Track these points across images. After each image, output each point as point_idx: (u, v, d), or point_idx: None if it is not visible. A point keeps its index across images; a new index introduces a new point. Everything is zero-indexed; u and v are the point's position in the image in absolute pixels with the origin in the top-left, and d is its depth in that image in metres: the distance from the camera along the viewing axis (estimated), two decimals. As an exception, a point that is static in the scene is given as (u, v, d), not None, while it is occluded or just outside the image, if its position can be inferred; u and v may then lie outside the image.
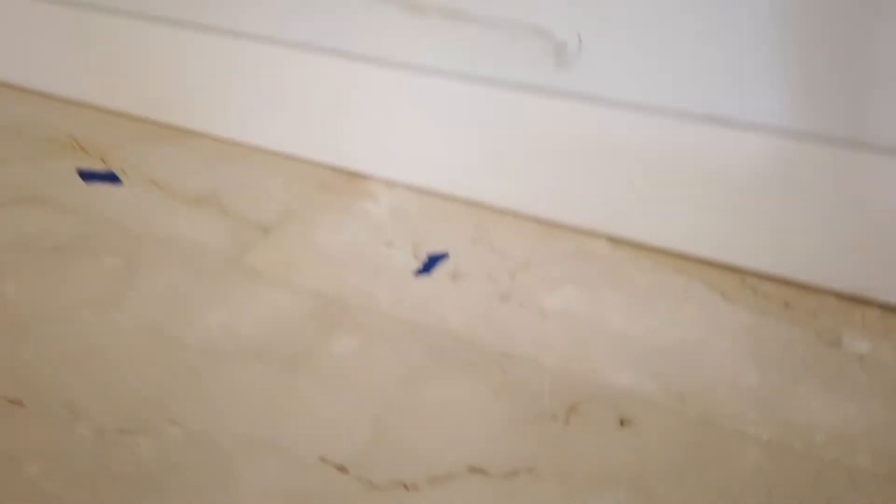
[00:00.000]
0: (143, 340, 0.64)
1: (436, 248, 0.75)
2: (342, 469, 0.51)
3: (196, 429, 0.55)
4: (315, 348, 0.63)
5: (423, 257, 0.74)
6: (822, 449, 0.52)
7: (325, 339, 0.63)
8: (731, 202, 0.69)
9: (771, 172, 0.67)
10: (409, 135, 0.83)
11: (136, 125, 0.98)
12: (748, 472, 0.51)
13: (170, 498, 0.50)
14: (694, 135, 0.68)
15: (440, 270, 0.72)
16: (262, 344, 0.63)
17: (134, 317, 0.66)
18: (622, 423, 0.55)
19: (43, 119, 1.00)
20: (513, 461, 0.52)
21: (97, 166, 0.89)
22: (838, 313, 0.65)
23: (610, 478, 0.51)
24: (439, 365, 0.61)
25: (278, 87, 0.88)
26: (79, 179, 0.87)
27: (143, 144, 0.94)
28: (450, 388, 0.59)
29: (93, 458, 0.53)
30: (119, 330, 0.65)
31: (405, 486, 0.50)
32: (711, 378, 0.59)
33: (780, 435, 0.54)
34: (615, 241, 0.75)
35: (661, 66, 0.68)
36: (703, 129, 0.68)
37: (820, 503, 0.49)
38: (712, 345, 0.62)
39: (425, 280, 0.71)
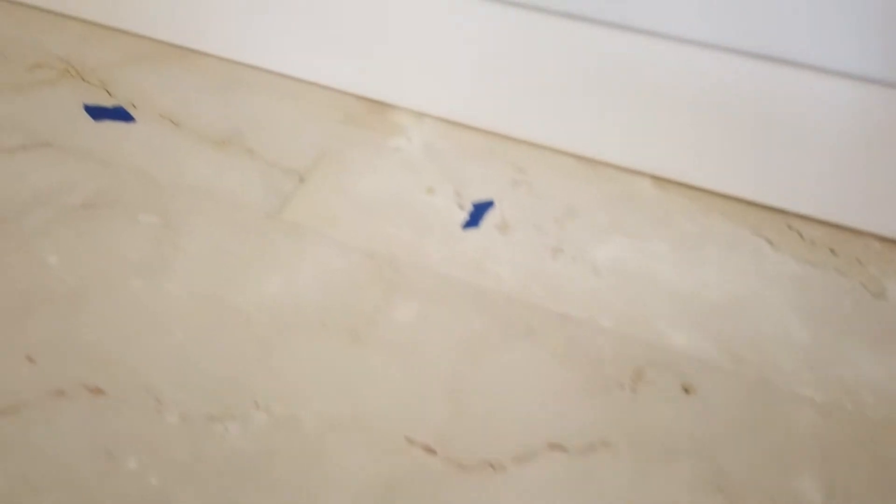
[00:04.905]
0: (203, 311, 0.63)
1: (478, 195, 0.74)
2: (430, 450, 0.54)
3: (280, 412, 0.57)
4: (376, 315, 0.63)
5: (468, 206, 0.73)
6: (872, 410, 0.57)
7: (384, 305, 0.64)
8: (776, 143, 0.69)
9: (818, 115, 0.66)
10: (439, 62, 0.78)
11: (132, 43, 0.91)
12: (804, 436, 0.55)
13: (269, 486, 0.53)
14: (745, 73, 0.66)
15: (487, 221, 0.71)
16: (322, 311, 0.64)
17: (187, 284, 0.66)
18: (686, 390, 0.58)
19: (23, 36, 0.92)
20: (588, 435, 0.55)
21: (103, 99, 0.83)
22: (883, 260, 0.67)
23: (678, 449, 0.55)
24: (501, 331, 0.62)
25: (290, 6, 0.81)
26: (86, 116, 0.82)
27: (144, 68, 0.87)
28: (514, 357, 0.61)
29: (187, 448, 0.54)
30: (175, 300, 0.64)
31: (492, 467, 0.53)
32: (764, 335, 0.62)
33: (831, 395, 0.58)
34: (658, 180, 0.74)
35: (724, 2, 0.64)
36: (756, 68, 0.65)
37: (874, 470, 0.53)
38: (762, 299, 0.64)
39: (474, 233, 0.70)
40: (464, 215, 0.72)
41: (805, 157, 0.68)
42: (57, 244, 0.68)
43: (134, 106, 0.83)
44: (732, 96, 0.67)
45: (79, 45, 0.90)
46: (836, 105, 0.64)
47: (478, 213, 0.72)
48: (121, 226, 0.70)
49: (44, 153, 0.77)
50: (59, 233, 0.69)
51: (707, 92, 0.68)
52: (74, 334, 0.62)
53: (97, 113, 0.82)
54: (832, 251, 0.68)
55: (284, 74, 0.86)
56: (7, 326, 0.62)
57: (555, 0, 0.69)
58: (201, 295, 0.65)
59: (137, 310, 0.63)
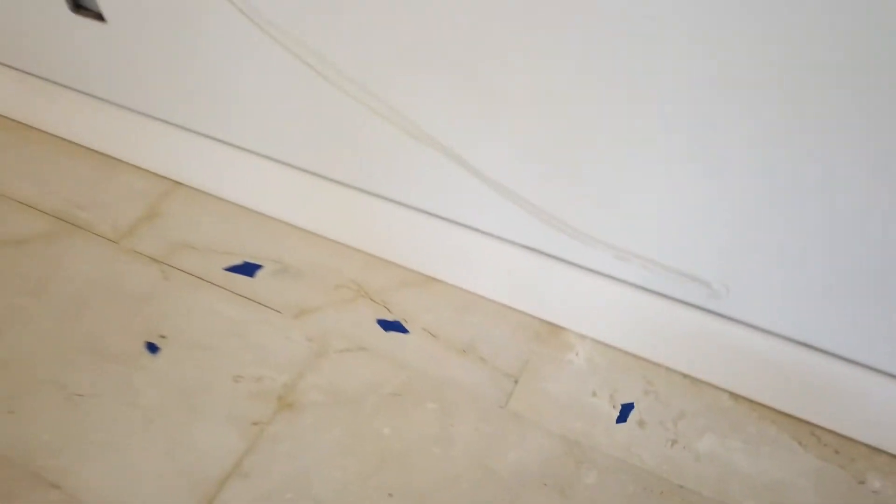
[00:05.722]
0: (475, 470, 1.15)
1: (623, 398, 1.24)
2: (613, 564, 1.04)
3: (531, 537, 1.07)
4: (576, 480, 1.14)
5: (618, 406, 1.23)
6: (853, 556, 1.04)
7: (578, 473, 1.14)
8: (818, 394, 1.17)
9: (851, 393, 1.14)
10: (597, 306, 1.29)
11: (396, 271, 1.44)
12: (816, 569, 1.03)
13: (532, 579, 1.03)
14: (807, 363, 1.15)
15: (631, 418, 1.21)
16: (542, 475, 1.14)
17: (465, 453, 1.17)
18: (750, 537, 1.06)
19: (322, 262, 1.46)
20: (697, 560, 1.04)
21: (385, 314, 1.37)
22: (866, 459, 1.15)
23: (747, 571, 1.03)
24: (646, 495, 1.12)
25: (498, 261, 1.33)
26: (379, 327, 1.35)
27: (407, 291, 1.41)
28: (655, 510, 1.10)
29: (486, 555, 1.05)
30: (459, 463, 1.16)
31: (647, 575, 1.03)
32: (795, 506, 1.10)
33: (831, 546, 1.05)
34: (734, 395, 1.24)
35: (809, 309, 1.13)
36: (826, 362, 1.14)
37: (851, 590, 1.01)
38: (796, 482, 1.13)
39: (623, 426, 1.21)
40: (616, 413, 1.22)
41: (830, 399, 1.16)
42: (387, 421, 1.21)
43: (405, 321, 1.36)
44: (794, 373, 1.16)
45: (362, 272, 1.44)
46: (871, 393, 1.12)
47: (625, 412, 1.22)
48: (418, 409, 1.23)
49: (361, 355, 1.31)
50: (386, 412, 1.22)
51: (780, 368, 1.17)
52: (411, 481, 1.13)
53: (386, 326, 1.35)
54: (836, 451, 1.16)
55: (495, 301, 1.38)
56: (369, 476, 1.14)
57: (679, 293, 1.19)
58: (471, 461, 1.16)
59: (440, 468, 1.15)
